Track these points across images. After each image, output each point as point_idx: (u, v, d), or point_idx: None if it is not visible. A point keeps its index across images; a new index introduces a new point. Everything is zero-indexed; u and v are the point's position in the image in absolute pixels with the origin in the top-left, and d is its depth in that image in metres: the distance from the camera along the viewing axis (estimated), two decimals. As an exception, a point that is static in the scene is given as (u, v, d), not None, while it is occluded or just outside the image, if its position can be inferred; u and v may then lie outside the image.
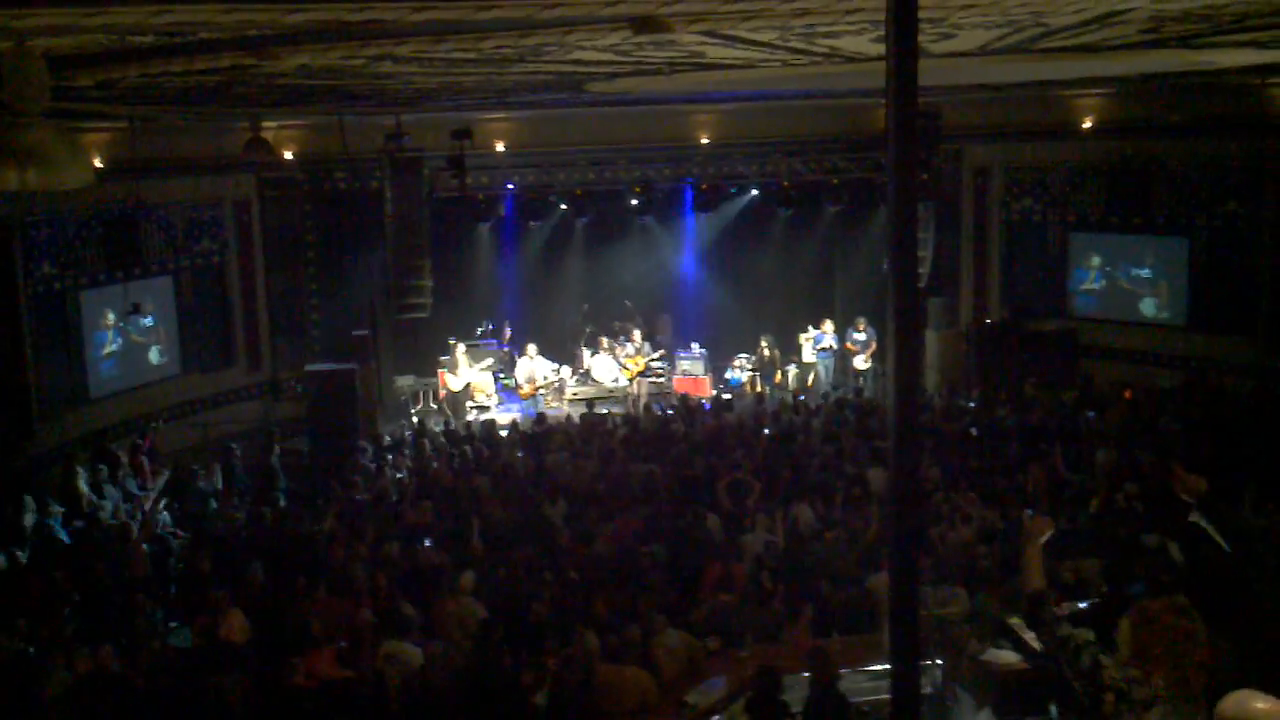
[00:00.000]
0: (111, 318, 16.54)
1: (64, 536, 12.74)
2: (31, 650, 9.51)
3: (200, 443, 17.07)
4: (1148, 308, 19.02)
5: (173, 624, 11.52)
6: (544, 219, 20.14)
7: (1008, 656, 8.80)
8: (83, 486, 13.95)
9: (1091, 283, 19.44)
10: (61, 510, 13.30)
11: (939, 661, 8.78)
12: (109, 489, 14.15)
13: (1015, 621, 9.09)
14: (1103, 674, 4.19)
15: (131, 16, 5.11)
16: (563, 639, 9.34)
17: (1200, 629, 4.19)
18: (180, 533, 13.39)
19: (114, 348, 16.84)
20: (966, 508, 11.97)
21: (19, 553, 11.96)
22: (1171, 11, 6.41)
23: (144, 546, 12.20)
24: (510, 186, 19.21)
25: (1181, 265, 18.48)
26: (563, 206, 20.01)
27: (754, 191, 20.52)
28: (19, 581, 11.10)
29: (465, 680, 8.81)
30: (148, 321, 17.09)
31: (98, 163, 14.58)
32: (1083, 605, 9.07)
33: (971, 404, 17.10)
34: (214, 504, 14.14)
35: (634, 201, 19.90)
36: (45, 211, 15.04)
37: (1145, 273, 18.95)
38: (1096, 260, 19.43)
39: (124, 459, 15.02)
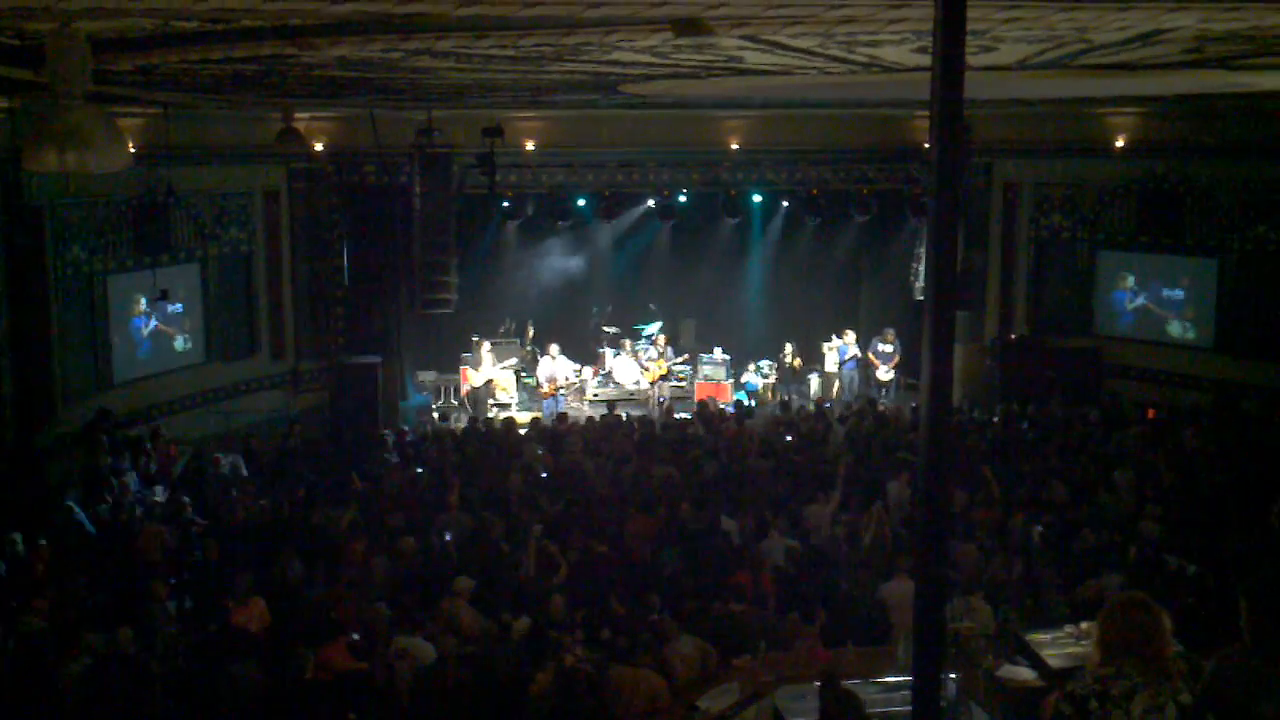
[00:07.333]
0: (144, 303, 16.59)
1: (84, 518, 12.76)
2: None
3: (221, 430, 17.10)
4: (1175, 328, 18.91)
5: (187, 607, 11.58)
6: (571, 219, 20.13)
7: (1024, 673, 8.75)
8: (104, 469, 14.01)
9: (1131, 303, 19.33)
10: (81, 493, 13.35)
11: (953, 675, 8.73)
12: (129, 474, 14.19)
13: (1034, 638, 9.06)
14: (1082, 683, 4.20)
15: (179, 1, 5.13)
16: (574, 638, 9.32)
17: (1165, 622, 4.20)
18: (198, 520, 13.41)
19: (148, 331, 16.93)
20: (984, 519, 11.90)
21: (38, 533, 11.98)
22: (1216, 31, 6.36)
23: (161, 532, 12.21)
24: (538, 186, 19.21)
25: (1210, 287, 18.37)
26: (590, 207, 20.01)
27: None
28: (38, 561, 11.13)
29: (476, 677, 8.82)
30: (175, 308, 17.14)
31: (131, 148, 14.58)
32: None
33: (993, 419, 17.01)
34: (234, 492, 14.17)
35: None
36: (76, 195, 15.08)
37: (1176, 294, 18.83)
38: (1131, 281, 19.31)
39: (144, 443, 15.08)
